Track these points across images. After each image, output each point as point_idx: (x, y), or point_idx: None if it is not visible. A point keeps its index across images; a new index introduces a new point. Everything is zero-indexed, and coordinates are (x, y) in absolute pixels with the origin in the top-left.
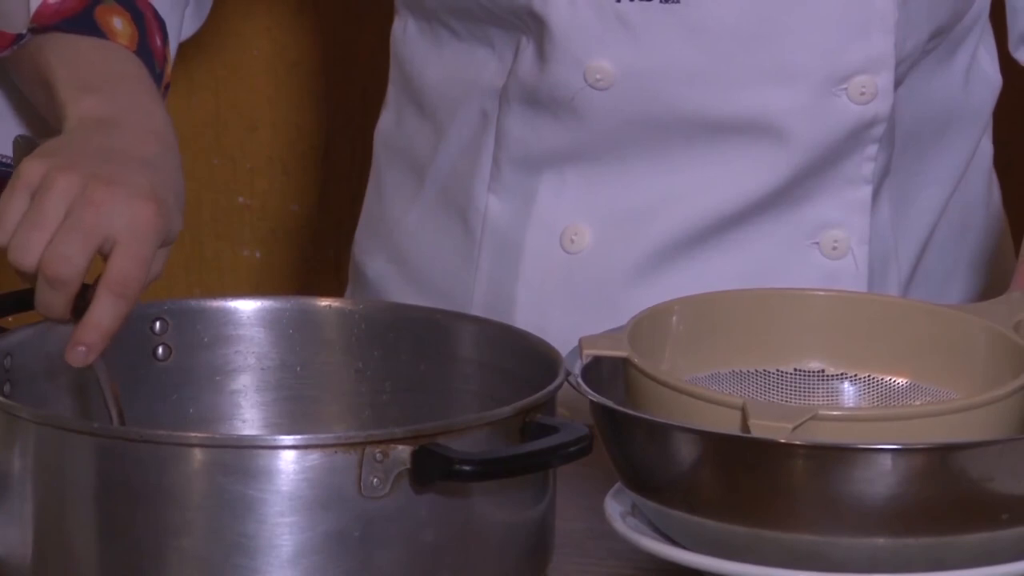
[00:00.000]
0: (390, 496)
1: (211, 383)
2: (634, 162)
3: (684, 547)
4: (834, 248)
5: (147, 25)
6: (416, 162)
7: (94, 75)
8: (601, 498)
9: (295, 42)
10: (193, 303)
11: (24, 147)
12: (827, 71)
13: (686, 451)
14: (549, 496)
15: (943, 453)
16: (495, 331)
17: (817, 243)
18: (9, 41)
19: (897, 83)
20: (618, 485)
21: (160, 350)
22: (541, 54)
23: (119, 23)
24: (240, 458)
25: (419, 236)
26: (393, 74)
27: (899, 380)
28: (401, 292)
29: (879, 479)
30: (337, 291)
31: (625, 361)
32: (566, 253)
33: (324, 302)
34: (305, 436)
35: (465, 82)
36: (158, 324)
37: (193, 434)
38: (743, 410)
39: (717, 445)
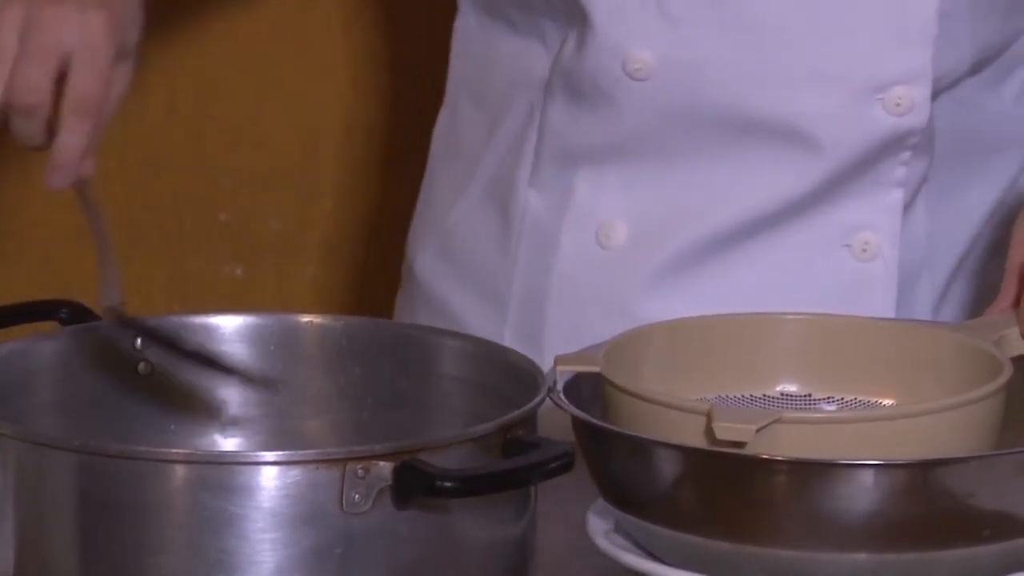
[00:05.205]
0: (371, 512)
1: (193, 399)
2: (671, 160)
3: (667, 563)
4: (864, 250)
5: None
6: (468, 157)
7: None
8: (583, 514)
9: (277, 59)
10: (174, 319)
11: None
12: (864, 79)
13: (667, 467)
14: (530, 513)
15: (925, 469)
16: (476, 347)
17: (848, 245)
18: None
19: (939, 94)
20: (600, 501)
21: (141, 366)
22: (582, 41)
23: None
24: (221, 474)
25: (464, 229)
26: (454, 70)
27: (886, 401)
28: (443, 285)
29: (860, 495)
30: (318, 307)
31: (600, 378)
32: (601, 249)
33: (305, 318)
34: (286, 452)
35: (517, 76)
36: (139, 340)
37: (174, 450)
38: (708, 415)
39: (698, 460)
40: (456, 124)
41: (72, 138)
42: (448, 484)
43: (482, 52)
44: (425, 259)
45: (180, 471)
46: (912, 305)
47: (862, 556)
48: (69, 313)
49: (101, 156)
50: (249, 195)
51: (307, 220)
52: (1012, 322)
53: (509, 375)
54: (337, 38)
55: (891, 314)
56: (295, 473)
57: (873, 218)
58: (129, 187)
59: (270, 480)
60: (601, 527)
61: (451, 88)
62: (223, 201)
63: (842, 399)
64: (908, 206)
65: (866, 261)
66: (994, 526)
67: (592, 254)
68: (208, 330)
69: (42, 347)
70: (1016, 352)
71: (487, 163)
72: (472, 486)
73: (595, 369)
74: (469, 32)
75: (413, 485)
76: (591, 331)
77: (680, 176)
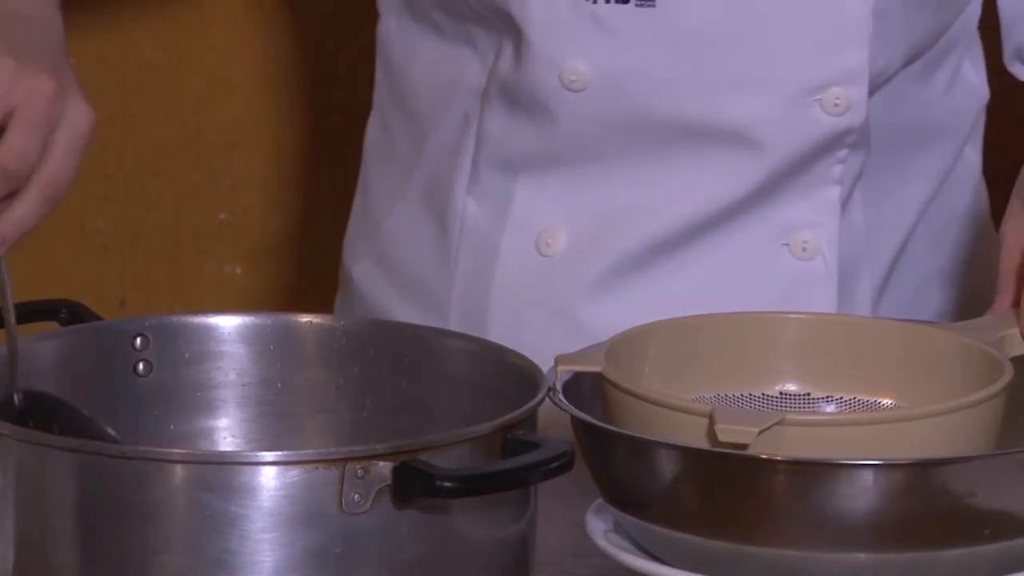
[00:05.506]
0: (371, 512)
1: (192, 399)
2: (610, 166)
3: (667, 563)
4: (804, 249)
5: None
6: (401, 164)
7: None
8: (583, 515)
9: (276, 59)
10: (174, 319)
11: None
12: (801, 81)
13: (667, 467)
14: (530, 513)
15: (925, 468)
16: (476, 347)
17: (787, 244)
18: None
19: (874, 91)
20: (600, 501)
21: (141, 366)
22: (518, 54)
23: None
24: (221, 474)
25: (400, 237)
26: (379, 76)
27: (884, 400)
28: (383, 293)
29: (860, 494)
30: (318, 307)
31: (600, 377)
32: (541, 256)
33: (305, 318)
34: (286, 452)
35: (448, 83)
36: (139, 340)
37: (174, 450)
38: (711, 416)
39: (698, 461)
40: (387, 131)
41: (29, 214)
42: (448, 484)
43: (406, 57)
44: (362, 266)
45: (180, 471)
46: (853, 300)
47: (862, 556)
48: (69, 313)
49: (101, 155)
50: (249, 195)
51: (307, 220)
52: (1012, 322)
53: (509, 375)
54: (338, 39)
55: (832, 311)
56: (295, 473)
57: (812, 217)
58: (129, 187)
59: (270, 480)
60: (601, 527)
61: (378, 94)
62: (223, 201)
63: (841, 399)
64: (845, 202)
65: (806, 260)
66: (994, 526)
67: (532, 261)
68: (208, 330)
69: (42, 347)
70: (1016, 352)
71: (422, 171)
72: (472, 486)
73: (596, 369)
74: (390, 37)
75: (413, 485)
76: (532, 338)
77: (619, 182)
